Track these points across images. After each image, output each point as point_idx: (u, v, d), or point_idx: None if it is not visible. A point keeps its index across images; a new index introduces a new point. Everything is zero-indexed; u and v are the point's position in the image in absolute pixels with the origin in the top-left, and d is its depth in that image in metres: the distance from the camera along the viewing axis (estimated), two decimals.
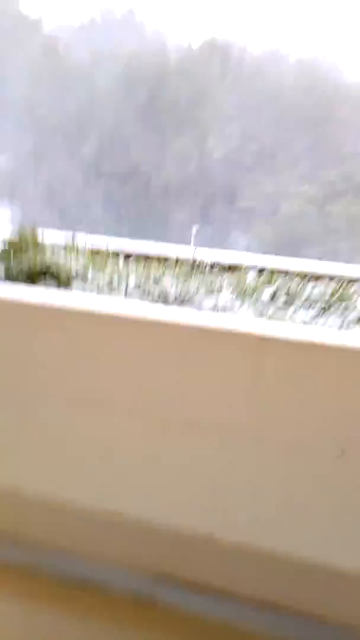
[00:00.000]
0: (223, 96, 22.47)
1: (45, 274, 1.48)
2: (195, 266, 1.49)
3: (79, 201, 20.04)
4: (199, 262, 1.66)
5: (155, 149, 21.26)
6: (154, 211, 20.57)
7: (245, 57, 27.64)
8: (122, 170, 20.04)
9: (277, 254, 22.19)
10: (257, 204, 21.77)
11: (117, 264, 1.45)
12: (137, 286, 1.38)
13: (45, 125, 20.30)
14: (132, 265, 1.35)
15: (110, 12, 30.15)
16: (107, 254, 1.57)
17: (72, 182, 20.12)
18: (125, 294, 1.42)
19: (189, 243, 20.91)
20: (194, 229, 20.45)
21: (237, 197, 21.39)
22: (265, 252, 21.91)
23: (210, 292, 1.22)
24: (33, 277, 1.45)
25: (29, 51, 23.13)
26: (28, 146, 20.69)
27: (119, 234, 20.66)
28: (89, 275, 1.47)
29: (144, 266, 1.36)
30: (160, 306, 1.35)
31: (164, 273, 1.43)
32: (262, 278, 1.41)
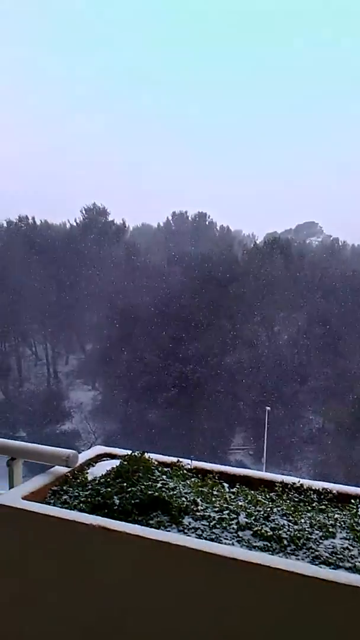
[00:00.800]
0: (287, 286, 24.12)
1: (156, 506, 1.53)
2: (302, 496, 1.48)
3: (156, 382, 20.84)
4: (305, 489, 1.63)
5: (226, 335, 22.46)
6: (226, 392, 20.93)
7: (304, 249, 30.28)
8: (196, 354, 21.05)
9: (352, 433, 21.17)
10: (327, 384, 21.75)
11: (224, 493, 1.49)
12: (249, 526, 1.38)
13: (125, 316, 22.23)
14: (238, 493, 1.39)
15: (183, 216, 34.92)
16: (214, 482, 1.62)
17: (149, 366, 21.19)
18: (237, 533, 1.42)
19: (263, 421, 20.55)
20: (267, 410, 20.35)
21: (306, 377, 21.58)
22: (339, 431, 21.08)
23: (324, 534, 1.20)
24: (146, 508, 1.50)
25: (114, 253, 26.62)
26: (110, 335, 22.46)
27: (191, 416, 20.90)
28: (199, 508, 1.51)
29: (250, 499, 1.39)
30: (274, 550, 1.34)
31: (272, 509, 1.43)
32: None
